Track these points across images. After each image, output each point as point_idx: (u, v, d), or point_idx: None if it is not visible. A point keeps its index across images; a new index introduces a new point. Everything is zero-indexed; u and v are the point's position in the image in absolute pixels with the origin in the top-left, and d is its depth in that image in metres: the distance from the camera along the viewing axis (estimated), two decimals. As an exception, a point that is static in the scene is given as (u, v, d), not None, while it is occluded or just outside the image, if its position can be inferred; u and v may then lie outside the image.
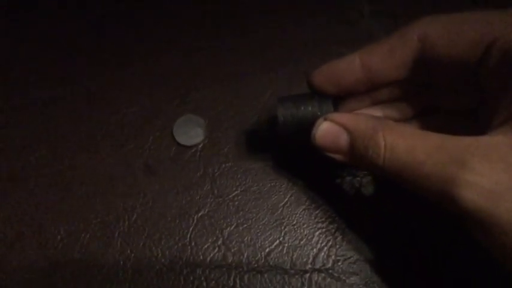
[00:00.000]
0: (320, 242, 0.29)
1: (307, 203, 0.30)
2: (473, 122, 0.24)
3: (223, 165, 0.32)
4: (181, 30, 0.37)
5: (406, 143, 0.21)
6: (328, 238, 0.29)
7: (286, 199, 0.31)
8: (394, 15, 0.35)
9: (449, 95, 0.26)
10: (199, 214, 0.30)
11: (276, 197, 0.31)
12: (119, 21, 0.38)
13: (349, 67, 0.25)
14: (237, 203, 0.31)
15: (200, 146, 0.32)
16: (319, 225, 0.30)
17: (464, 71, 0.23)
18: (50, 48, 0.37)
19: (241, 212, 0.30)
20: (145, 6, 0.38)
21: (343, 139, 0.24)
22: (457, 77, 0.24)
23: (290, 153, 0.31)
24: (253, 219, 0.30)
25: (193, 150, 0.32)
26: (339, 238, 0.29)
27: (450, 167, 0.19)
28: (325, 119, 0.24)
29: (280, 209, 0.30)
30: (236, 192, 0.31)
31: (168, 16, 0.37)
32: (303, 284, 0.28)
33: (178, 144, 0.32)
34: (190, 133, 0.32)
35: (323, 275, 0.29)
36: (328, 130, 0.24)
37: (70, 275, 0.29)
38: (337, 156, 0.24)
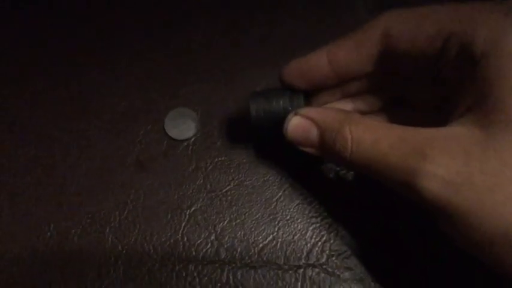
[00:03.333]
0: (314, 237, 0.29)
1: (301, 198, 0.30)
2: (441, 113, 0.25)
3: (216, 160, 0.31)
4: (173, 24, 0.36)
5: (371, 136, 0.21)
6: (322, 233, 0.29)
7: (280, 193, 0.30)
8: (388, 8, 0.35)
9: (416, 88, 0.26)
10: (192, 209, 0.30)
11: (269, 191, 0.30)
12: (110, 16, 0.37)
13: (317, 63, 0.26)
14: (230, 197, 0.30)
15: (192, 140, 0.32)
16: (313, 220, 0.30)
17: (427, 64, 0.23)
18: (41, 44, 0.36)
19: (234, 207, 0.30)
20: (138, 3, 0.37)
21: (313, 133, 0.24)
22: (421, 70, 0.24)
23: (284, 147, 0.31)
24: (247, 214, 0.30)
25: (185, 144, 0.32)
26: (333, 233, 0.29)
27: (412, 158, 0.20)
28: (296, 114, 0.25)
29: (274, 203, 0.30)
30: (229, 186, 0.31)
31: (160, 10, 0.37)
32: (296, 279, 0.28)
33: (170, 138, 0.32)
34: (182, 127, 0.32)
35: (317, 270, 0.28)
36: (298, 125, 0.25)
37: (60, 272, 0.29)
38: (309, 150, 0.25)
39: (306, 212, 0.30)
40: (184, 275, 0.28)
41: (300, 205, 0.30)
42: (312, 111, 0.25)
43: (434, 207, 0.20)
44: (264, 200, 0.30)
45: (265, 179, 0.31)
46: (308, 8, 0.36)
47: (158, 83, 0.34)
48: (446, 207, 0.19)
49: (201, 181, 0.31)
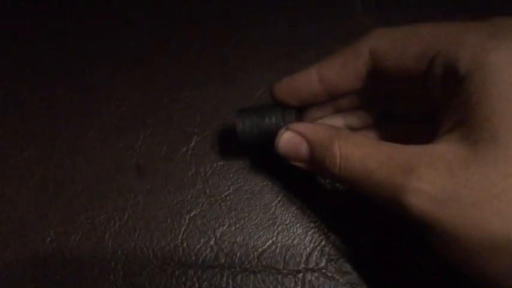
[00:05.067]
0: (313, 241, 0.29)
1: (300, 202, 0.30)
2: (431, 129, 0.25)
3: (215, 164, 0.31)
4: (173, 28, 0.36)
5: (359, 153, 0.22)
6: (321, 237, 0.29)
7: (279, 198, 0.30)
8: (387, 10, 0.35)
9: (405, 104, 0.27)
10: (191, 214, 0.30)
11: (268, 196, 0.30)
12: (111, 18, 0.37)
13: (307, 81, 0.26)
14: (229, 202, 0.30)
15: (191, 145, 0.32)
16: (312, 224, 0.30)
17: (414, 82, 0.23)
18: (41, 45, 0.36)
19: (233, 212, 0.30)
20: (138, 5, 0.37)
21: (304, 148, 0.25)
22: (409, 88, 0.25)
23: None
24: (246, 219, 0.30)
25: (184, 149, 0.32)
26: (332, 237, 0.29)
27: (399, 175, 0.20)
28: (287, 129, 0.25)
29: (273, 208, 0.30)
30: (228, 191, 0.31)
31: (160, 15, 0.36)
32: (296, 284, 0.28)
33: (169, 141, 0.32)
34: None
35: (316, 274, 0.28)
36: (289, 140, 0.25)
37: (60, 277, 0.29)
38: (300, 165, 0.25)
39: (305, 216, 0.30)
40: (183, 279, 0.29)
41: (299, 210, 0.30)
42: (302, 127, 0.25)
43: (421, 222, 0.20)
44: (263, 204, 0.30)
45: (264, 184, 0.31)
46: (308, 8, 0.36)
47: (158, 86, 0.34)
48: (433, 222, 0.19)
49: (201, 186, 0.31)
